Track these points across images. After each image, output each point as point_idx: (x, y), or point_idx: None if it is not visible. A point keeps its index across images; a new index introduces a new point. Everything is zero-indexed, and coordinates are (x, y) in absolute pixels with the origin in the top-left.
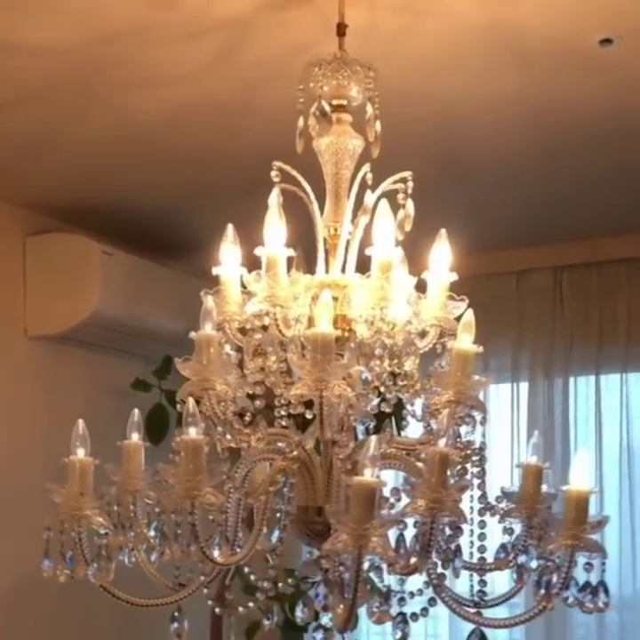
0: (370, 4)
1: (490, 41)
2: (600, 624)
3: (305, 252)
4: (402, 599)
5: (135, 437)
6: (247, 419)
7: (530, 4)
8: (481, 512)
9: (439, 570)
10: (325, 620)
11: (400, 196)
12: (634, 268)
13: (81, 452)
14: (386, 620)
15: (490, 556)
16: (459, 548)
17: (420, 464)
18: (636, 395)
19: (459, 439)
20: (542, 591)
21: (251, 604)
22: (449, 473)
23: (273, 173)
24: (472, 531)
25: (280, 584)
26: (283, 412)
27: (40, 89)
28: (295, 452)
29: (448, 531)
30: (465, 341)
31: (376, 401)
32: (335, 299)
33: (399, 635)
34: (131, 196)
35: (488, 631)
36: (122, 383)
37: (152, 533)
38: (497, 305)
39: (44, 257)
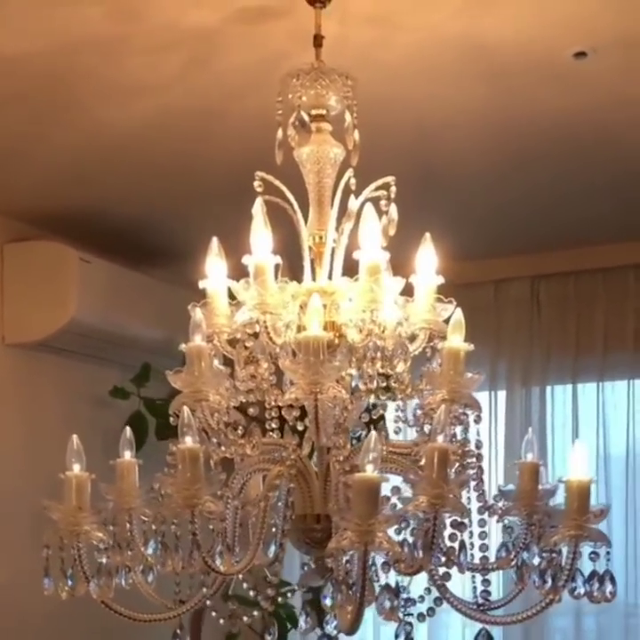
0: (343, 16)
1: (464, 53)
2: (577, 629)
3: (289, 261)
4: (408, 600)
5: (128, 455)
6: (240, 431)
7: (504, 17)
8: (480, 511)
9: (443, 569)
10: (329, 628)
11: (383, 202)
12: (611, 278)
13: (77, 468)
14: (395, 617)
15: (490, 557)
16: (463, 545)
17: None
18: (613, 403)
19: (454, 439)
20: (548, 585)
21: (255, 613)
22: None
23: (256, 183)
24: (471, 532)
25: (279, 599)
26: (274, 425)
27: (16, 96)
28: (293, 456)
29: (450, 528)
30: (456, 340)
31: (366, 403)
32: (323, 306)
33: (403, 637)
34: (109, 204)
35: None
36: (100, 391)
37: (150, 551)
38: (474, 314)
39: (21, 264)
